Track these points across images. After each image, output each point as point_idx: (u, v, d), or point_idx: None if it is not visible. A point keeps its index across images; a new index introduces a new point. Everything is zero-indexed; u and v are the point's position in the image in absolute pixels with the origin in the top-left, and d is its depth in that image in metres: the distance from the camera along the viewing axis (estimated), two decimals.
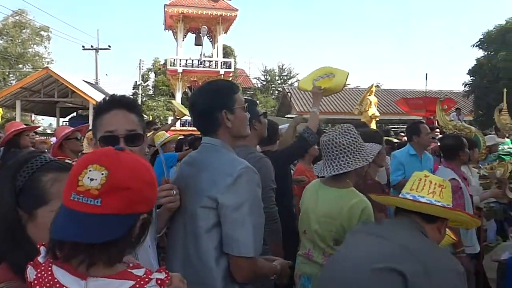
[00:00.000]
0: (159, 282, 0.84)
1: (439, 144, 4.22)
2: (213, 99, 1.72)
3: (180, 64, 21.07)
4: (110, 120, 1.44)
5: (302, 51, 63.08)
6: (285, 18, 73.02)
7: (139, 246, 0.93)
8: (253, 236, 1.57)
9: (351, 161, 2.11)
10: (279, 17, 72.95)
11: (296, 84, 30.49)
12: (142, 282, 0.83)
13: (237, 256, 1.56)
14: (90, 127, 3.92)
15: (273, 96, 31.47)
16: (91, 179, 0.81)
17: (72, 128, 3.78)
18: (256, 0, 69.93)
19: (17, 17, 27.98)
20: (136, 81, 32.90)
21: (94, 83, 22.16)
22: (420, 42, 72.02)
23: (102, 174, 0.81)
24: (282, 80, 32.59)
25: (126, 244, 0.85)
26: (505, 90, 12.90)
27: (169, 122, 8.40)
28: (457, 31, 70.40)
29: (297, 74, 33.62)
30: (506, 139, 7.18)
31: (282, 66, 32.74)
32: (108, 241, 0.80)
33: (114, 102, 1.47)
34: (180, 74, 21.05)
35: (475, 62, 18.56)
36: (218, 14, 20.94)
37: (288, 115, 4.44)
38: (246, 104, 1.82)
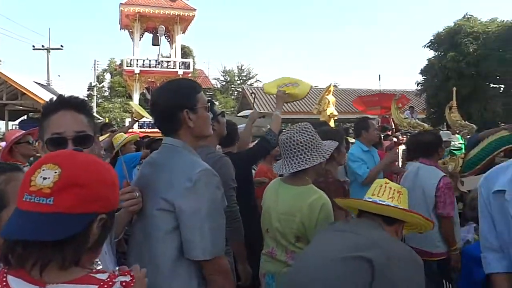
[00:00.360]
0: (124, 284, 0.83)
1: (410, 141, 4.19)
2: (175, 98, 1.68)
3: (137, 64, 20.64)
4: (58, 121, 1.37)
5: (261, 52, 63.56)
6: (244, 19, 73.32)
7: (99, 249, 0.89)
8: (211, 239, 1.56)
9: (309, 158, 2.14)
10: (238, 17, 73.14)
11: (255, 85, 30.65)
12: (105, 286, 0.80)
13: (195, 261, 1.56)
14: None
15: (232, 97, 31.46)
16: (44, 178, 0.79)
17: (23, 132, 3.63)
18: (214, 0, 69.65)
19: None
20: (90, 82, 32.02)
21: (45, 84, 21.28)
22: (375, 43, 74.33)
23: (55, 172, 0.79)
24: (241, 81, 32.63)
25: (82, 245, 0.82)
26: (454, 89, 13.58)
27: (126, 124, 8.21)
28: (410, 31, 73.20)
29: (256, 74, 33.84)
30: (457, 135, 7.52)
31: (242, 67, 32.84)
32: (62, 240, 0.77)
33: (62, 103, 1.41)
34: (137, 75, 20.62)
35: (426, 62, 19.34)
36: (176, 14, 20.69)
37: (240, 114, 4.41)
38: (209, 103, 1.80)
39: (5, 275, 0.80)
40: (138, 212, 1.65)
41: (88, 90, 32.77)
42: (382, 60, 72.23)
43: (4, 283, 0.79)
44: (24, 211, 0.79)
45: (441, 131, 8.25)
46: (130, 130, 6.99)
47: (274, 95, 3.45)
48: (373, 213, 1.81)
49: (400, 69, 73.00)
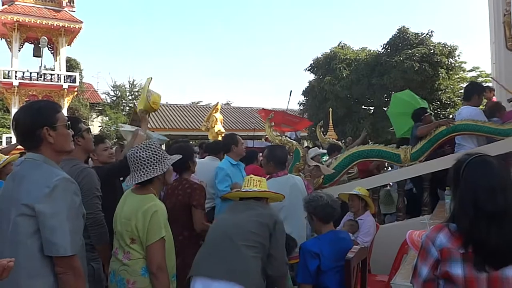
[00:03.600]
0: None
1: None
2: (36, 117, 1.91)
3: (16, 76, 19.12)
4: None
5: (155, 68, 62.64)
6: (135, 33, 71.62)
7: None
8: (71, 238, 1.83)
9: (150, 171, 2.45)
10: (129, 31, 71.21)
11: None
12: None
13: (56, 257, 1.81)
14: None
15: (123, 112, 30.55)
16: None
17: None
18: (103, 13, 67.08)
19: None
20: None
21: None
22: (265, 65, 77.76)
23: None
24: (133, 96, 31.89)
25: None
26: (330, 109, 15.15)
27: (3, 139, 7.65)
28: (295, 55, 78.32)
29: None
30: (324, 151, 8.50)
31: (133, 82, 32.13)
32: None
33: None
34: (16, 88, 19.10)
35: (307, 85, 21.02)
36: (60, 25, 19.69)
37: (124, 128, 4.58)
38: (69, 122, 2.06)
39: None
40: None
41: None
42: (274, 79, 75.86)
43: None
44: None
45: (310, 148, 9.30)
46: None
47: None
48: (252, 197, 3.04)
49: (287, 89, 77.19)
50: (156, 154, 2.49)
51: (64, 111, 14.87)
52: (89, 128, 2.98)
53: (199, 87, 67.20)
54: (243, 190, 3.05)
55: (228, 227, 2.79)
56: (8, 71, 19.19)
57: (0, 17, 18.69)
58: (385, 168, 7.62)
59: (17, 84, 19.02)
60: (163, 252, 2.39)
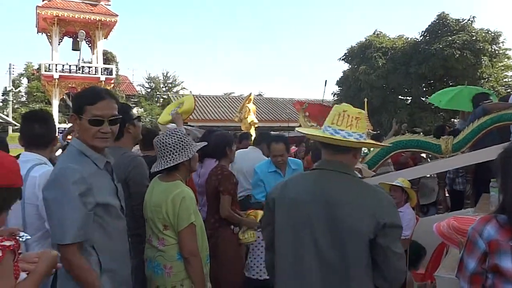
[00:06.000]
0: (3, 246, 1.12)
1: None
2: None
3: (56, 69, 19.82)
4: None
5: (188, 60, 63.37)
6: (168, 27, 72.52)
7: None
8: (63, 226, 1.80)
9: (176, 157, 2.45)
10: (162, 25, 72.17)
11: (181, 92, 30.53)
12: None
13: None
14: None
15: (158, 104, 31.09)
16: None
17: None
18: (139, 7, 68.25)
19: None
20: (5, 87, 29.99)
21: None
22: (298, 55, 77.13)
23: None
24: (167, 88, 32.36)
25: None
26: (365, 99, 14.75)
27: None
28: (329, 44, 77.07)
29: (182, 82, 33.64)
30: None
31: (167, 74, 32.57)
32: None
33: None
34: (56, 80, 19.79)
35: (341, 74, 20.64)
36: (97, 19, 20.20)
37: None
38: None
39: None
40: None
41: (3, 95, 30.71)
42: (304, 70, 75.17)
43: None
44: None
45: None
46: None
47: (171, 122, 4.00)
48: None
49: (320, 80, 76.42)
50: (182, 141, 2.49)
51: None
52: (140, 116, 2.96)
53: (231, 78, 67.51)
54: (328, 128, 1.82)
55: (320, 243, 1.73)
56: (49, 65, 19.89)
57: (40, 12, 19.35)
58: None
59: (57, 77, 19.70)
60: (194, 238, 2.40)
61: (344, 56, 20.25)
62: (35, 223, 2.23)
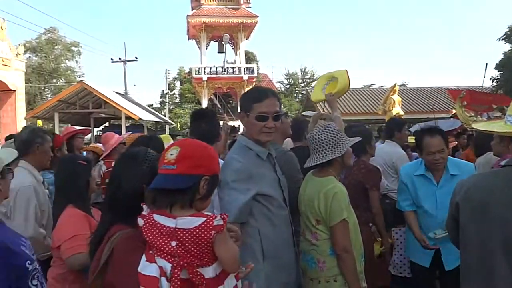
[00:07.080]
0: (222, 217, 1.27)
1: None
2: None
3: (204, 72, 21.63)
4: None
5: (324, 53, 63.08)
6: (305, 22, 73.11)
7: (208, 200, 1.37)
8: None
9: (328, 154, 2.41)
10: (299, 21, 73.08)
11: None
12: (212, 217, 1.26)
13: None
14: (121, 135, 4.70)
15: (297, 99, 31.62)
16: (171, 154, 1.31)
17: (77, 129, 4.84)
18: (276, 5, 70.24)
19: (49, 34, 29.31)
20: (163, 90, 33.76)
21: (123, 93, 22.93)
22: (443, 39, 70.55)
23: (177, 150, 1.30)
24: (305, 83, 32.69)
25: (193, 193, 1.31)
26: None
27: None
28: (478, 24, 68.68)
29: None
30: None
31: (305, 69, 32.90)
32: (181, 190, 1.28)
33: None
34: (205, 82, 21.60)
35: (502, 57, 18.22)
36: (239, 22, 21.38)
37: (304, 113, 4.47)
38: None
39: (151, 214, 1.31)
40: None
41: (160, 98, 34.59)
42: (446, 55, 68.33)
43: (152, 218, 1.29)
44: (161, 174, 1.31)
45: None
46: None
47: (324, 101, 3.58)
48: None
49: (474, 64, 68.66)
50: (335, 137, 2.45)
51: None
52: (287, 112, 3.00)
53: (370, 69, 65.13)
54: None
55: None
56: (198, 68, 21.79)
57: (190, 20, 21.27)
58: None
59: (206, 78, 21.47)
60: (347, 234, 2.36)
61: (504, 35, 17.88)
62: None
